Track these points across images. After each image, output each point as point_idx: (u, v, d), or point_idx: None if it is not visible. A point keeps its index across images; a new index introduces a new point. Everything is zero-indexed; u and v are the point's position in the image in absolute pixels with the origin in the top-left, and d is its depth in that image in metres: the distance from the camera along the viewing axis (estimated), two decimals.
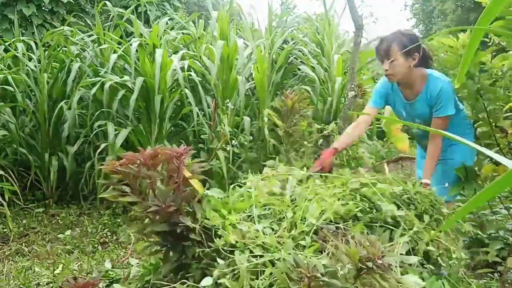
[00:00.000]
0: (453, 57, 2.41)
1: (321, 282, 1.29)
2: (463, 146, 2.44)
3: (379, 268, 1.34)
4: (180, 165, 1.65)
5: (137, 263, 2.30)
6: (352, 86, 3.84)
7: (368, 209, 1.78)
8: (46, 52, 4.59)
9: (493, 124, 2.50)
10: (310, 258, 1.46)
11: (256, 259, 1.48)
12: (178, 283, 1.58)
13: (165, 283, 1.64)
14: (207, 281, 1.50)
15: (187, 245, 1.67)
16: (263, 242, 1.55)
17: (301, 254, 1.48)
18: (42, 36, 6.06)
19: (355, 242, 1.40)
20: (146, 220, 1.72)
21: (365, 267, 1.34)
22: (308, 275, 1.27)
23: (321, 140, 3.72)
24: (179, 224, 1.61)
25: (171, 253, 1.77)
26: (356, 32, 3.90)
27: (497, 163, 2.61)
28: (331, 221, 1.68)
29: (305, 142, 3.24)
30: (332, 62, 4.53)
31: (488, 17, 0.71)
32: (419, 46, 2.36)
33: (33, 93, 4.47)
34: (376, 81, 6.05)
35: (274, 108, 3.42)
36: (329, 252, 1.54)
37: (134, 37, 4.38)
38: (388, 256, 1.38)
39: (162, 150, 1.68)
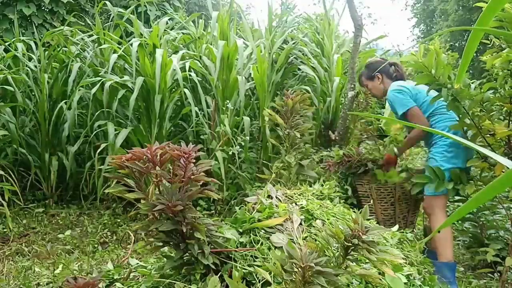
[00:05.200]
0: (421, 70, 2.52)
1: (315, 272, 1.29)
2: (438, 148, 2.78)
3: (365, 244, 1.37)
4: (187, 163, 1.65)
5: (137, 263, 2.30)
6: (352, 86, 3.85)
7: None
8: (46, 52, 4.59)
9: (480, 126, 2.51)
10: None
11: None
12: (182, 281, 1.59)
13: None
14: (214, 280, 1.51)
15: (191, 243, 1.67)
16: None
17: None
18: (42, 36, 6.06)
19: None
20: (150, 216, 1.71)
21: (351, 245, 1.37)
22: (302, 265, 1.27)
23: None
24: (185, 223, 1.61)
25: (174, 251, 1.77)
26: (355, 32, 3.91)
27: (492, 163, 2.62)
28: None
29: (307, 145, 3.27)
30: (332, 62, 4.52)
31: (487, 18, 0.70)
32: (379, 68, 3.08)
33: (33, 93, 4.47)
34: None
35: (274, 108, 3.43)
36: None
37: (134, 37, 4.37)
38: (371, 230, 1.41)
39: (170, 148, 1.69)
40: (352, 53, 3.99)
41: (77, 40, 4.75)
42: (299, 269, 1.27)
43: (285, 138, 3.19)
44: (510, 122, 2.50)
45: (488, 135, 2.53)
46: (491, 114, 2.50)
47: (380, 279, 1.49)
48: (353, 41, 4.06)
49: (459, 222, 3.38)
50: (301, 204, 2.16)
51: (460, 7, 15.10)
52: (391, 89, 2.94)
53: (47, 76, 4.40)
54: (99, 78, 4.06)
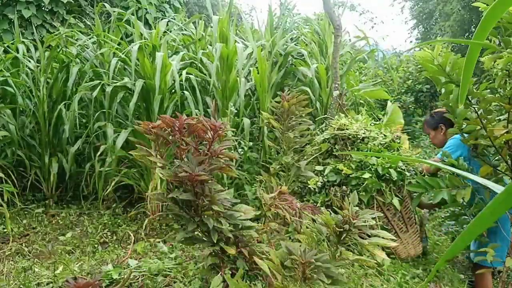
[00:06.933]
0: (433, 68, 2.55)
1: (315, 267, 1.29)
2: None
3: (356, 228, 1.39)
4: (214, 137, 1.68)
5: (137, 264, 2.30)
6: (336, 85, 3.88)
7: None
8: (47, 53, 4.59)
9: (485, 126, 2.52)
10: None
11: None
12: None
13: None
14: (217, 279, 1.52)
15: (208, 214, 1.68)
16: None
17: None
18: (42, 36, 6.06)
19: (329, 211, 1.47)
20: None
21: (342, 230, 1.38)
22: (303, 262, 1.28)
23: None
24: (204, 194, 1.62)
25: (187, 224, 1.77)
26: (335, 32, 3.98)
27: (494, 165, 2.62)
28: None
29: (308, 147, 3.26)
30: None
31: (484, 31, 0.69)
32: (442, 119, 3.12)
33: (33, 94, 4.47)
34: (373, 81, 6.05)
35: (272, 108, 3.43)
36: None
37: (134, 38, 4.38)
38: (361, 214, 1.42)
39: (199, 121, 1.71)
40: (333, 53, 4.03)
41: (76, 41, 4.75)
42: (299, 265, 1.27)
43: (281, 140, 3.19)
44: (510, 123, 2.50)
45: (493, 136, 2.54)
46: (489, 115, 2.52)
47: (375, 264, 1.51)
48: (333, 41, 4.10)
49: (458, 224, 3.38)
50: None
51: (460, 8, 15.12)
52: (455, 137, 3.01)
53: (46, 76, 4.40)
54: (99, 81, 4.07)
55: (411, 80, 7.96)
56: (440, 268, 2.88)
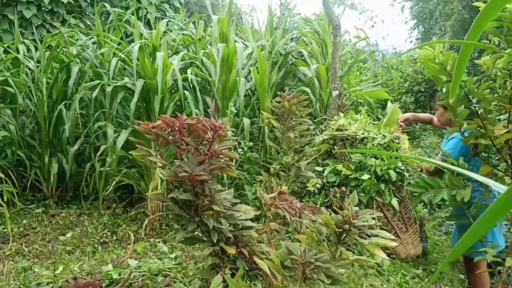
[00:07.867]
0: (434, 66, 2.55)
1: (315, 268, 1.29)
2: None
3: (356, 228, 1.39)
4: (214, 137, 1.68)
5: (137, 264, 2.31)
6: (335, 86, 3.88)
7: None
8: (47, 54, 4.59)
9: (485, 125, 2.53)
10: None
11: None
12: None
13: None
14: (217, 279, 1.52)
15: (208, 214, 1.68)
16: None
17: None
18: (42, 36, 6.06)
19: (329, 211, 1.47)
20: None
21: (343, 230, 1.39)
22: (303, 262, 1.28)
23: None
24: (204, 194, 1.62)
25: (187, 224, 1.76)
26: (334, 32, 3.98)
27: (494, 165, 2.63)
28: None
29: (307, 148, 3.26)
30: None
31: (477, 32, 0.69)
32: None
33: (33, 94, 4.47)
34: (374, 80, 6.04)
35: (272, 109, 3.43)
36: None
37: (134, 38, 4.38)
38: (361, 214, 1.43)
39: (199, 120, 1.71)
40: (332, 53, 4.03)
41: (76, 40, 4.75)
42: (299, 265, 1.28)
43: (282, 140, 3.19)
44: (510, 123, 2.50)
45: (493, 135, 2.55)
46: (489, 114, 2.52)
47: (375, 264, 1.51)
48: (332, 41, 4.10)
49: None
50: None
51: (461, 8, 15.13)
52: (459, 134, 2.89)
53: (47, 76, 4.40)
54: (99, 81, 4.07)
55: (408, 82, 7.97)
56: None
